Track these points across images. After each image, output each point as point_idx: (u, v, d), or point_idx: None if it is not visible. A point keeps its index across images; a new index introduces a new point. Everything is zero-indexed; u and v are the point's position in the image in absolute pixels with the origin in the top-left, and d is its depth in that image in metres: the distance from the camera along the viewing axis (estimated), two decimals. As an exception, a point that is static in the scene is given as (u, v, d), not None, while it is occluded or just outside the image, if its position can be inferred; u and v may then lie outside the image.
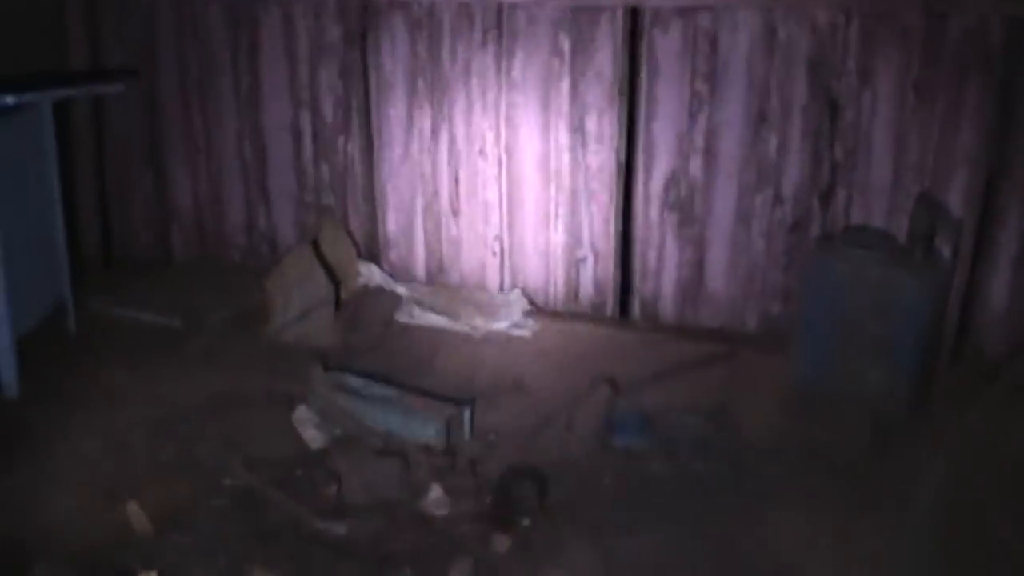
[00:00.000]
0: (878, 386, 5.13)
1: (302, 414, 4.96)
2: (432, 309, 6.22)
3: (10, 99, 5.13)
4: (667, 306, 6.21)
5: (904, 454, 4.89)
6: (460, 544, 4.22)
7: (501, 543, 4.20)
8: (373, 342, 5.95)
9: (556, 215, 6.25)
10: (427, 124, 6.37)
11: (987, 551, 4.14)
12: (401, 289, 6.40)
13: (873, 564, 4.21)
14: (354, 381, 5.21)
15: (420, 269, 6.64)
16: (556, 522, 4.39)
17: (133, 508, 4.28)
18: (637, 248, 6.17)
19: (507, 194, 6.31)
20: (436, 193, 6.47)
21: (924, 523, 4.27)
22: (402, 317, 6.21)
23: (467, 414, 4.98)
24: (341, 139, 6.59)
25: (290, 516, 4.37)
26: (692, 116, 5.85)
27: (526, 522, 4.34)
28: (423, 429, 4.82)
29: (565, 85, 6.04)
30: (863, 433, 4.98)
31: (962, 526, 4.25)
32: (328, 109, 6.55)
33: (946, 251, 5.19)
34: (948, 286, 5.31)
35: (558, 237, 6.28)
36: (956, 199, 5.55)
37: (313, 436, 4.87)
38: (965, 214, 5.54)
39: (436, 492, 4.45)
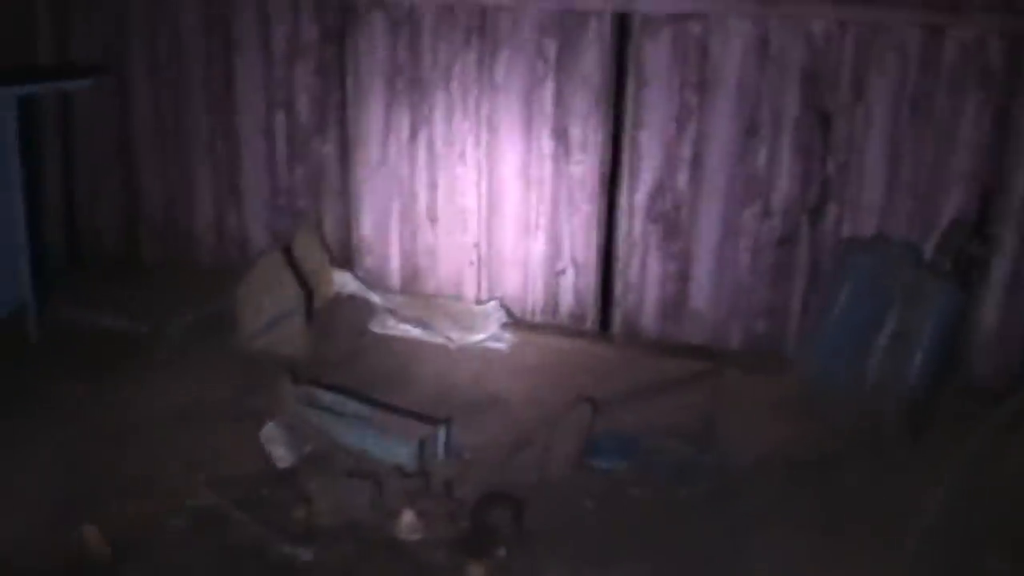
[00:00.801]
0: (887, 394, 5.04)
1: (270, 430, 4.75)
2: (407, 320, 6.04)
3: (-32, 95, 4.93)
4: (649, 321, 6.03)
5: (902, 476, 4.76)
6: (433, 573, 4.05)
7: (475, 573, 4.02)
8: (346, 354, 5.76)
9: (537, 225, 6.07)
10: (405, 127, 6.18)
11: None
12: (375, 298, 6.22)
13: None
14: (325, 396, 5.03)
15: (395, 277, 6.44)
16: (534, 550, 4.21)
17: (90, 531, 4.08)
18: (619, 261, 5.99)
19: (486, 201, 6.13)
20: (413, 198, 6.28)
21: (919, 552, 4.13)
22: (376, 327, 6.03)
23: (442, 433, 4.80)
24: (316, 140, 6.39)
25: (256, 539, 4.17)
26: (680, 126, 5.68)
27: (502, 551, 4.15)
28: (396, 449, 4.64)
29: (549, 91, 5.86)
30: (860, 452, 4.89)
31: (957, 556, 4.16)
32: (304, 109, 6.36)
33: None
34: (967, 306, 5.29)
35: (538, 247, 6.10)
36: (948, 217, 5.42)
37: (282, 454, 4.67)
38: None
39: (408, 516, 4.26)
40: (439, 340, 5.91)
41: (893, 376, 5.03)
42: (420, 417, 4.92)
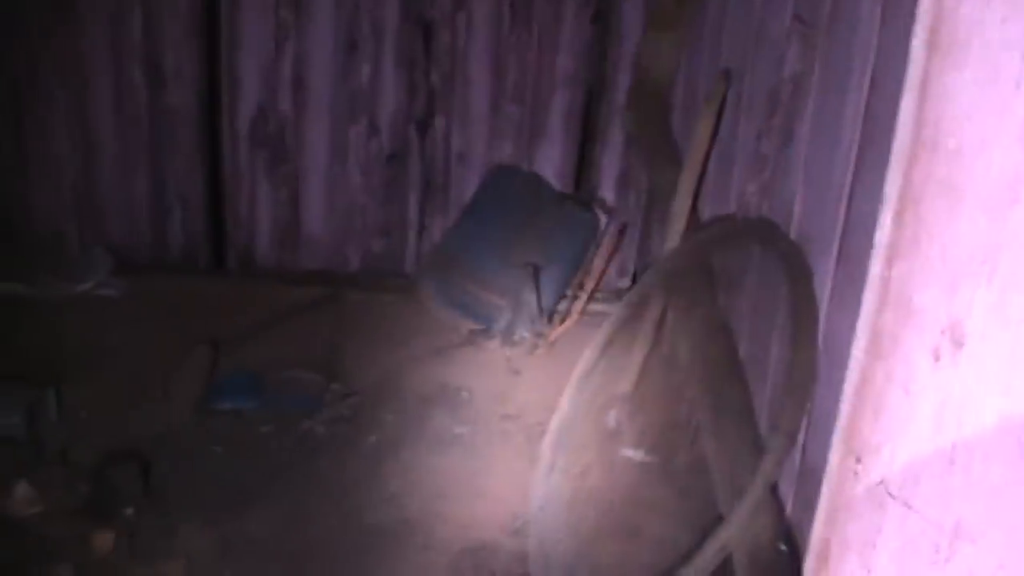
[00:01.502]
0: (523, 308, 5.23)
1: None
2: (2, 275, 5.59)
3: None
4: (264, 251, 5.83)
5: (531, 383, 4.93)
6: (56, 548, 3.77)
7: (103, 541, 3.78)
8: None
9: (137, 160, 5.71)
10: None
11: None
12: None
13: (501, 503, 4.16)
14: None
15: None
16: (164, 507, 4.01)
17: None
18: (227, 192, 5.74)
19: (82, 139, 5.69)
20: (-3, 143, 5.79)
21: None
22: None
23: (52, 395, 4.47)
24: None
25: None
26: (278, 46, 5.46)
27: (130, 512, 3.93)
28: (2, 418, 4.28)
29: (136, 18, 5.49)
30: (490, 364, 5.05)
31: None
32: None
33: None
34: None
35: (141, 185, 5.75)
36: (556, 121, 5.51)
37: None
38: (565, 136, 5.57)
39: (23, 489, 3.95)
40: (42, 293, 5.50)
41: (530, 290, 5.15)
42: (26, 380, 4.57)
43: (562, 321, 5.27)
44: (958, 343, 1.34)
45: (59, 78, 5.56)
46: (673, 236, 4.10)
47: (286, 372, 4.88)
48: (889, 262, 1.40)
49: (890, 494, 1.47)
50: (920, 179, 1.34)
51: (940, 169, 1.32)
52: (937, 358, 1.37)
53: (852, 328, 2.70)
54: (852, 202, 2.79)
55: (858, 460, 1.50)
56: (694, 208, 4.19)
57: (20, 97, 5.60)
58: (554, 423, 4.14)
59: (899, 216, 1.38)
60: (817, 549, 1.60)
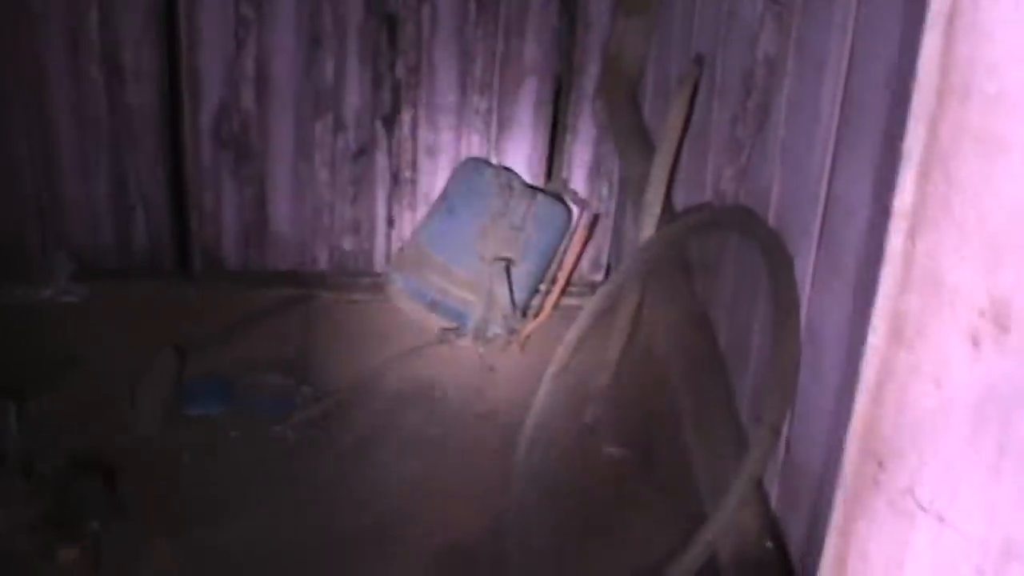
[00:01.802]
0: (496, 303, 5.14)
1: None
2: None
3: None
4: (231, 252, 5.71)
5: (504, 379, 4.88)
6: (17, 564, 3.66)
7: (66, 555, 3.67)
8: None
9: (98, 161, 5.58)
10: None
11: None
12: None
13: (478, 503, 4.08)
14: None
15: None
16: (131, 519, 3.90)
17: None
18: (191, 192, 5.61)
19: (40, 144, 5.56)
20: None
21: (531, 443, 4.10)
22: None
23: (13, 405, 4.35)
24: None
25: None
26: (239, 42, 5.34)
27: (95, 525, 3.80)
28: (-40, 431, 4.18)
29: (93, 15, 5.36)
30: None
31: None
32: None
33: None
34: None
35: (102, 185, 5.62)
36: (525, 112, 5.46)
37: None
38: (535, 127, 5.54)
39: (-17, 504, 3.84)
40: (2, 300, 5.37)
41: (502, 285, 5.10)
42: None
43: (535, 316, 5.20)
44: (1002, 327, 1.15)
45: (15, 77, 5.41)
46: (647, 226, 4.01)
47: (255, 376, 4.78)
48: (912, 233, 1.21)
49: (920, 506, 1.29)
50: (949, 132, 1.16)
51: (974, 118, 1.14)
52: (976, 345, 1.19)
53: (836, 315, 2.63)
54: (832, 185, 2.71)
55: (880, 465, 1.32)
56: (668, 197, 4.11)
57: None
58: (530, 420, 4.06)
59: (924, 177, 1.18)
60: (831, 567, 1.42)
